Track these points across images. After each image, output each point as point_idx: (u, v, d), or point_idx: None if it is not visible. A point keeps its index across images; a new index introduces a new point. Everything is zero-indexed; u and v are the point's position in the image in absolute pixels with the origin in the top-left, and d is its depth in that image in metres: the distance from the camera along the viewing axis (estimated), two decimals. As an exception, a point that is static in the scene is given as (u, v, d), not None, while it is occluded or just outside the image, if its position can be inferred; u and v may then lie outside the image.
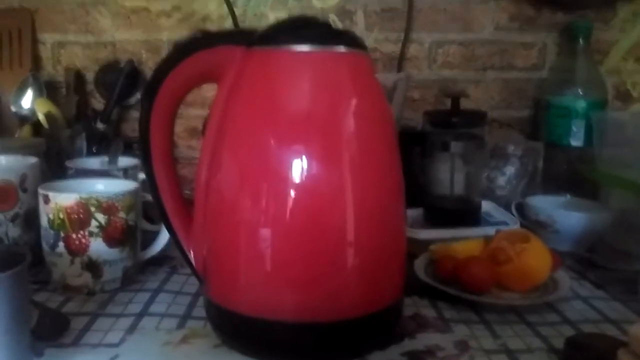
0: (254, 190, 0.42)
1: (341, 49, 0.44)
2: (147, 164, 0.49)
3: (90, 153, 0.82)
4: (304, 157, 0.41)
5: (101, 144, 0.84)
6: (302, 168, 0.41)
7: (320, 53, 0.43)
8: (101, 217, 0.55)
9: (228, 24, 0.91)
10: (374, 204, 0.44)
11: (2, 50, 0.90)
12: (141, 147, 0.49)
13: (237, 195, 0.43)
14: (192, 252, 0.50)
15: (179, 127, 0.94)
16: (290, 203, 0.41)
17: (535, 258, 0.57)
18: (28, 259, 0.37)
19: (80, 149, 0.83)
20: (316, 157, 0.41)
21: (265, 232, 0.42)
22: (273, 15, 0.92)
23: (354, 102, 0.43)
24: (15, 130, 0.86)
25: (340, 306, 0.43)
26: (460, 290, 0.55)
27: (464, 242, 0.62)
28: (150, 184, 0.50)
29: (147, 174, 0.50)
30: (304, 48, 0.42)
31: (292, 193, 0.41)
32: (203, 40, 0.46)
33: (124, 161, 0.73)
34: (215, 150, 0.45)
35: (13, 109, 0.88)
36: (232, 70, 0.44)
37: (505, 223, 0.74)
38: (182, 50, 0.46)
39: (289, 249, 0.42)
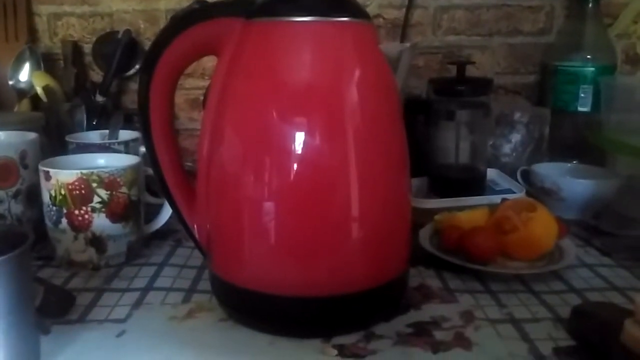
0: (256, 163, 0.42)
1: (344, 19, 0.42)
2: (147, 139, 0.49)
3: (90, 126, 0.82)
4: (306, 129, 0.40)
5: (101, 116, 0.84)
6: (305, 140, 0.40)
7: (322, 24, 0.42)
8: (103, 193, 0.55)
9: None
10: (378, 176, 0.43)
11: (-3, 23, 0.89)
12: (141, 121, 0.48)
13: (240, 169, 0.42)
14: (195, 227, 0.50)
15: (179, 99, 0.93)
16: (293, 176, 0.41)
17: (541, 227, 0.57)
18: (30, 239, 0.37)
19: (80, 122, 0.82)
20: (319, 129, 0.41)
21: (269, 206, 0.42)
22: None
23: (357, 73, 0.42)
24: (14, 105, 0.85)
25: (346, 280, 0.42)
26: (465, 260, 0.55)
27: (469, 211, 0.62)
28: (152, 160, 0.49)
29: (147, 149, 0.49)
30: (305, 19, 0.41)
31: (295, 166, 0.41)
32: (201, 13, 0.45)
33: (125, 134, 0.73)
34: (216, 124, 0.44)
35: (10, 82, 0.86)
36: (231, 43, 0.44)
37: (510, 191, 0.73)
38: (180, 23, 0.45)
39: (292, 222, 0.42)
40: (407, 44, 0.45)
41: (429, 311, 0.47)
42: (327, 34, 0.42)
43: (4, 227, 0.41)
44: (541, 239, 0.57)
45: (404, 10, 0.90)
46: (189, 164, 0.85)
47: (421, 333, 0.44)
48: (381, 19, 0.90)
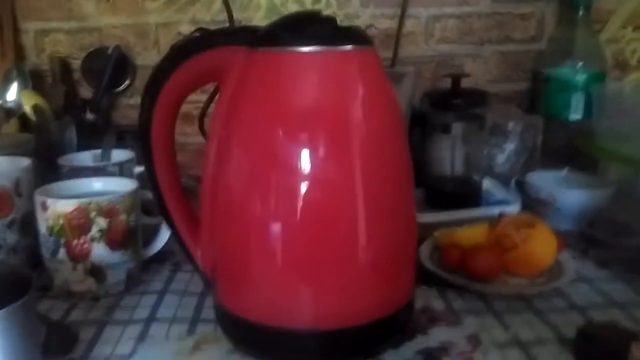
0: (263, 189, 0.41)
1: (348, 47, 0.42)
2: (149, 167, 0.48)
3: (81, 145, 0.80)
4: (313, 152, 0.40)
5: (92, 134, 0.82)
6: (313, 163, 0.40)
7: (326, 53, 0.42)
8: (102, 222, 0.54)
9: (217, 5, 0.88)
10: (386, 198, 0.43)
11: (-18, 41, 0.87)
12: (142, 150, 0.48)
13: (247, 196, 0.42)
14: (199, 255, 0.49)
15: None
16: (300, 199, 0.40)
17: (541, 244, 0.57)
18: (34, 284, 0.36)
19: (71, 141, 0.80)
20: (326, 152, 0.41)
21: (276, 229, 0.41)
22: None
23: (362, 97, 0.42)
24: (2, 125, 0.83)
25: (356, 310, 0.42)
26: (467, 279, 0.55)
27: (469, 228, 0.62)
28: (153, 188, 0.49)
29: (149, 177, 0.49)
30: (310, 49, 0.41)
31: (303, 189, 0.40)
32: (203, 42, 0.45)
33: (119, 155, 0.72)
34: (221, 152, 0.44)
35: (-2, 102, 0.85)
36: (234, 71, 0.43)
37: (506, 202, 0.73)
38: (182, 52, 0.45)
39: (301, 247, 0.41)
40: (412, 69, 0.45)
41: (436, 336, 0.47)
42: (332, 62, 0.42)
43: (5, 267, 0.40)
44: (541, 255, 0.57)
45: (396, 20, 0.89)
46: (182, 179, 0.85)
47: (430, 361, 0.44)
48: (374, 29, 0.90)
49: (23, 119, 0.83)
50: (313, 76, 0.41)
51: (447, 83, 0.73)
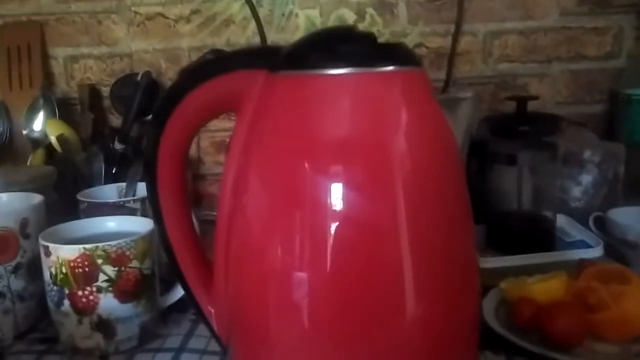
0: (285, 233, 0.34)
1: (389, 68, 0.34)
2: (156, 213, 0.42)
3: (109, 175, 0.76)
4: (346, 191, 0.33)
5: (121, 165, 0.77)
6: (344, 204, 0.33)
7: (363, 76, 0.34)
8: (110, 270, 0.47)
9: (252, 27, 0.82)
10: (438, 245, 0.35)
11: (11, 69, 0.84)
12: (148, 196, 0.42)
13: (266, 240, 0.35)
14: (213, 314, 0.42)
15: (205, 142, 0.87)
16: (330, 248, 0.33)
17: (637, 303, 0.47)
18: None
19: (99, 172, 0.76)
20: (362, 191, 0.33)
21: (301, 285, 0.34)
22: (303, 14, 0.83)
23: (406, 127, 0.35)
24: (28, 155, 0.80)
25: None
26: (543, 344, 0.45)
27: (543, 279, 0.52)
28: (162, 239, 0.42)
29: (154, 217, 0.42)
30: (342, 71, 0.33)
31: (333, 235, 0.33)
32: (217, 65, 0.39)
33: (144, 189, 0.66)
34: (237, 189, 0.37)
35: (25, 132, 0.81)
36: (252, 99, 0.37)
37: (584, 243, 0.64)
38: (193, 77, 0.39)
39: (331, 306, 0.34)
40: (470, 93, 0.37)
41: None
42: (369, 87, 0.35)
43: None
44: (637, 317, 0.47)
45: (448, 38, 0.81)
46: (214, 213, 0.79)
47: None
48: (424, 48, 0.83)
49: (49, 150, 0.79)
50: (345, 103, 0.34)
51: (508, 106, 0.64)
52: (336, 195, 0.33)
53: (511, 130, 0.62)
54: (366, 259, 0.34)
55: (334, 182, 0.33)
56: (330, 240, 0.33)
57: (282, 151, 0.35)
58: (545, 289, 0.51)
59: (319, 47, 0.36)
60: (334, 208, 0.33)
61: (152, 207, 0.42)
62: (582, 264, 0.54)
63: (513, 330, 0.48)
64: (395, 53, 0.36)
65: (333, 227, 0.33)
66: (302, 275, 0.34)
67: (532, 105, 0.64)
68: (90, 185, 0.71)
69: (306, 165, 0.34)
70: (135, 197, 0.63)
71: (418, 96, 0.36)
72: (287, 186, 0.35)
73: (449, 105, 0.37)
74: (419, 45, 0.82)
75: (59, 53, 0.86)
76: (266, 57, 0.37)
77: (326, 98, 0.34)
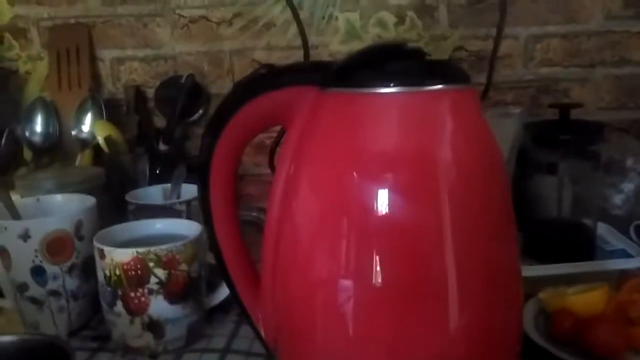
0: (333, 240, 0.35)
1: (438, 86, 0.35)
2: (206, 216, 0.43)
3: (152, 176, 0.78)
4: (392, 199, 0.34)
5: (165, 166, 0.79)
6: (392, 212, 0.33)
7: (412, 95, 0.34)
8: (161, 273, 0.49)
9: (293, 30, 0.83)
10: (482, 255, 0.35)
11: (60, 70, 0.87)
12: (200, 201, 0.43)
13: (314, 247, 0.36)
14: (260, 319, 0.43)
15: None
16: (377, 256, 0.34)
17: (681, 318, 0.46)
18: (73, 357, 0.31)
19: (143, 172, 0.78)
20: (409, 200, 0.34)
21: (348, 292, 0.34)
22: (343, 17, 0.83)
23: (453, 142, 0.35)
24: (77, 155, 0.83)
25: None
26: (583, 356, 0.45)
27: (583, 291, 0.52)
28: (212, 243, 0.43)
29: (205, 221, 0.43)
30: (391, 90, 0.34)
31: (379, 245, 0.34)
32: (269, 80, 0.40)
33: (188, 190, 0.67)
34: (286, 199, 0.38)
35: (73, 132, 0.84)
36: (303, 113, 0.37)
37: (625, 252, 0.63)
38: (246, 92, 0.39)
39: (378, 314, 0.35)
40: (519, 110, 0.37)
41: None
42: (417, 105, 0.35)
43: (44, 339, 0.36)
44: (681, 332, 0.46)
45: (489, 41, 0.80)
46: (253, 214, 0.80)
47: None
48: (464, 51, 0.82)
49: (97, 150, 0.82)
50: (394, 120, 0.35)
51: (549, 110, 0.63)
52: (382, 204, 0.33)
53: (553, 139, 0.61)
54: (412, 268, 0.34)
55: (381, 191, 0.34)
56: (377, 249, 0.34)
57: (331, 162, 0.36)
58: (586, 301, 0.51)
59: (368, 64, 0.36)
60: (380, 217, 0.33)
61: (203, 212, 0.43)
62: (624, 276, 0.54)
63: (551, 340, 0.48)
64: (445, 71, 0.36)
65: (379, 236, 0.34)
66: (348, 283, 0.34)
67: (573, 111, 0.63)
68: (135, 185, 0.73)
69: (354, 175, 0.34)
70: (180, 200, 0.65)
71: (466, 113, 0.36)
72: (335, 196, 0.35)
73: (497, 121, 0.37)
74: (459, 48, 0.81)
75: (106, 55, 0.89)
76: (316, 74, 0.37)
77: (375, 115, 0.35)
